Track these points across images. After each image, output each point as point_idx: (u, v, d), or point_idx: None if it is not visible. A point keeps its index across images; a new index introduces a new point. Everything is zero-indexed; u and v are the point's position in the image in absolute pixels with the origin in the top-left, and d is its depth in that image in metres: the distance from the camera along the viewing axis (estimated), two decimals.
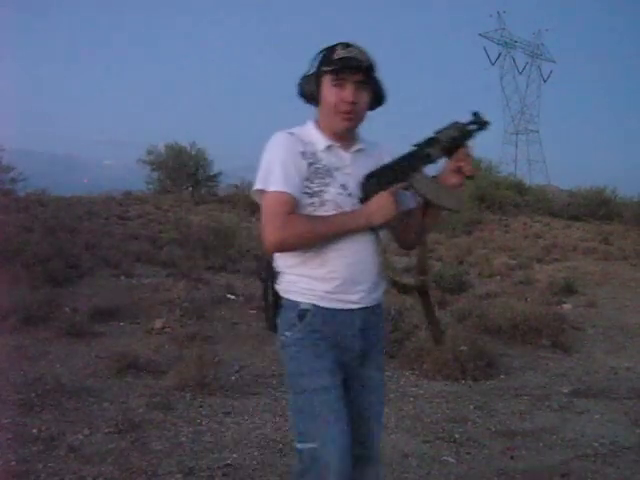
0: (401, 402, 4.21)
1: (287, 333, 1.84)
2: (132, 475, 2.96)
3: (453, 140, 1.79)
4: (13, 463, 2.99)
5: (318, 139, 1.86)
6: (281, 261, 1.87)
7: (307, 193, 1.80)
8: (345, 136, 1.88)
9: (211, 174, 24.75)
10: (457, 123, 1.79)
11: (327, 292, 1.81)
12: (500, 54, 64.62)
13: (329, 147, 1.86)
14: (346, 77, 1.79)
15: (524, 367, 5.22)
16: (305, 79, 1.87)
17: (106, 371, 4.40)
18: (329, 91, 1.81)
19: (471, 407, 4.19)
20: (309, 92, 1.86)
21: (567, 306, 7.83)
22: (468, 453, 3.45)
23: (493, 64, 64.71)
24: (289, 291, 1.85)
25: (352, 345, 1.86)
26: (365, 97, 1.83)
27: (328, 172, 1.83)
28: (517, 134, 65.75)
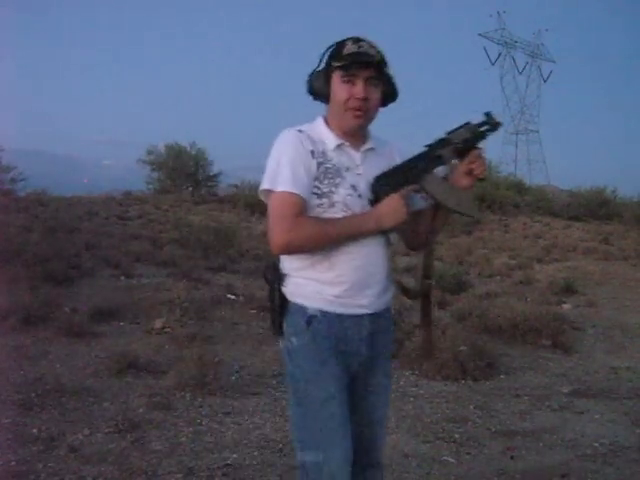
0: (401, 402, 4.21)
1: (293, 339, 1.78)
2: (132, 475, 2.96)
3: (465, 141, 1.75)
4: (13, 463, 2.99)
5: (328, 137, 1.80)
6: (287, 263, 1.80)
7: (316, 194, 1.73)
8: (355, 134, 1.81)
9: (211, 174, 24.75)
10: (469, 124, 1.75)
11: (335, 296, 1.75)
12: (500, 54, 64.81)
13: (339, 146, 1.79)
14: (356, 73, 1.72)
15: (524, 367, 5.22)
16: (314, 75, 1.80)
17: (106, 371, 4.40)
18: (339, 87, 1.75)
19: (471, 407, 4.19)
20: (318, 88, 1.80)
21: (567, 306, 7.82)
22: (468, 453, 3.45)
23: (493, 64, 64.85)
24: (296, 295, 1.78)
25: (359, 350, 1.80)
26: (376, 93, 1.76)
27: (338, 172, 1.76)
28: (517, 134, 65.85)
